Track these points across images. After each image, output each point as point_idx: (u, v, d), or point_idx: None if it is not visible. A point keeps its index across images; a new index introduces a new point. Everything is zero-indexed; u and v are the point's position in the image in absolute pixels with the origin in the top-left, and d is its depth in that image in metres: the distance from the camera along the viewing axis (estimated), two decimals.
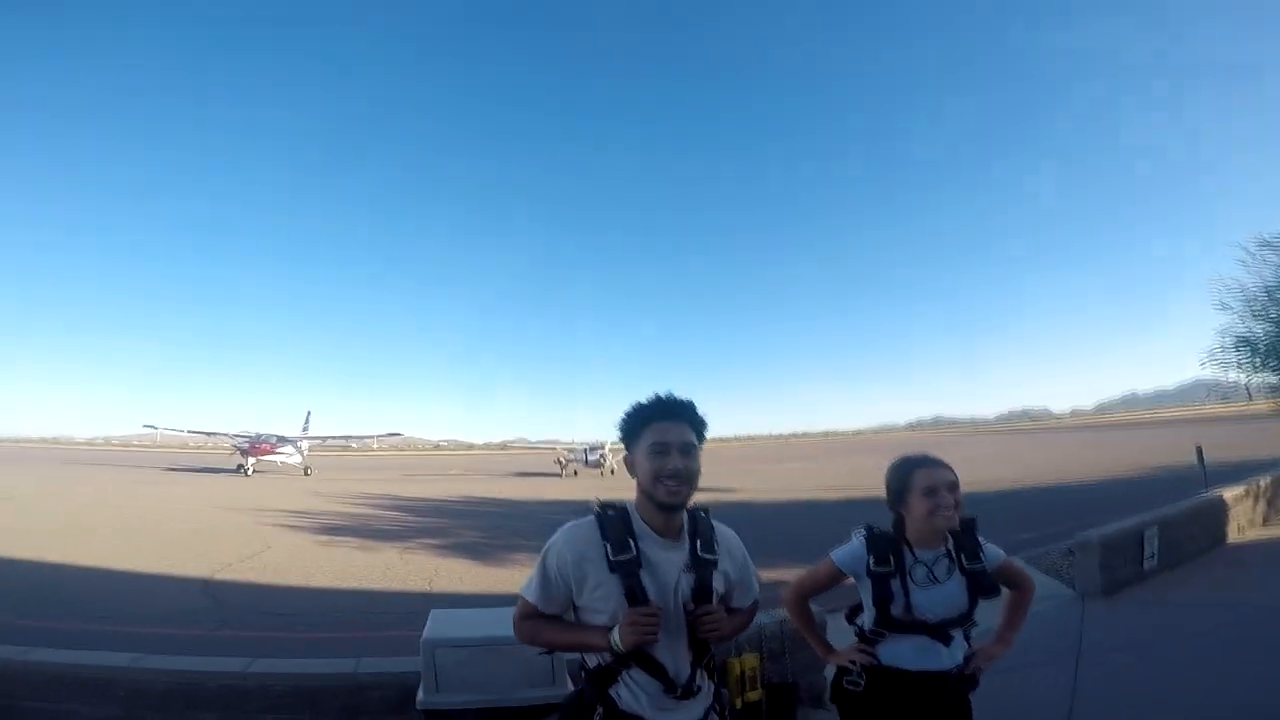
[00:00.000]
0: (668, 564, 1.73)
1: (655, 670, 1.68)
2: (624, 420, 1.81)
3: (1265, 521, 8.47)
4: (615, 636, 1.62)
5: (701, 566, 1.75)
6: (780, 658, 3.87)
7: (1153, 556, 6.42)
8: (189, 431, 44.77)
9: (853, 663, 2.12)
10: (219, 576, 8.86)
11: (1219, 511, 7.64)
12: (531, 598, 1.75)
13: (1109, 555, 6.01)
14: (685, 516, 1.79)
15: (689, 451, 1.72)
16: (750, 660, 3.64)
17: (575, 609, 1.77)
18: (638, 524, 1.74)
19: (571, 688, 2.71)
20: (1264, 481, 8.71)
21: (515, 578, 9.03)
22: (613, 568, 1.67)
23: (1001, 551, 2.20)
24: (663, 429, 1.72)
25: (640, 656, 1.66)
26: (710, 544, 1.80)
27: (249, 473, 35.26)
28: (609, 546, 1.68)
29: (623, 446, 1.84)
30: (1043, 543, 8.43)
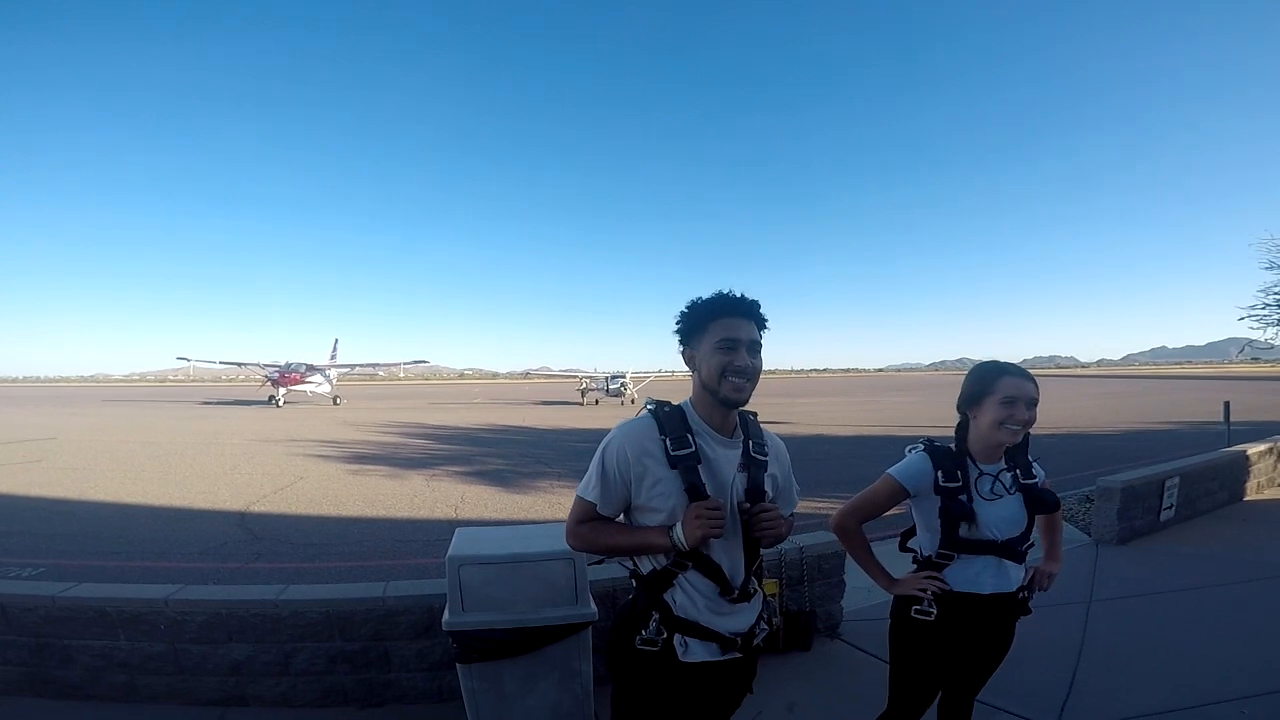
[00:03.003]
0: (725, 461, 1.72)
1: (712, 571, 1.68)
2: (686, 315, 1.75)
3: None
4: (678, 533, 1.61)
5: (754, 466, 1.75)
6: (799, 586, 3.93)
7: (1171, 508, 6.40)
8: (221, 363, 45.75)
9: (923, 591, 2.04)
10: (254, 509, 9.16)
11: (1240, 467, 7.56)
12: (590, 497, 1.71)
13: (1129, 503, 6.01)
14: (736, 417, 1.78)
15: (755, 349, 1.71)
16: (770, 587, 3.77)
17: (628, 512, 1.75)
18: (694, 420, 1.73)
19: (594, 608, 2.79)
20: None
21: (539, 504, 9.32)
22: (673, 463, 1.64)
23: (1042, 473, 2.14)
24: (732, 324, 1.69)
25: (698, 557, 1.66)
26: (761, 445, 1.79)
27: (280, 404, 36.36)
28: (668, 442, 1.66)
29: (681, 345, 1.79)
30: (1062, 489, 8.43)
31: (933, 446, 2.08)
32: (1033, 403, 1.99)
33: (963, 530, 1.99)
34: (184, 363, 45.14)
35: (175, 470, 12.72)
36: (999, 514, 2.00)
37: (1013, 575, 2.05)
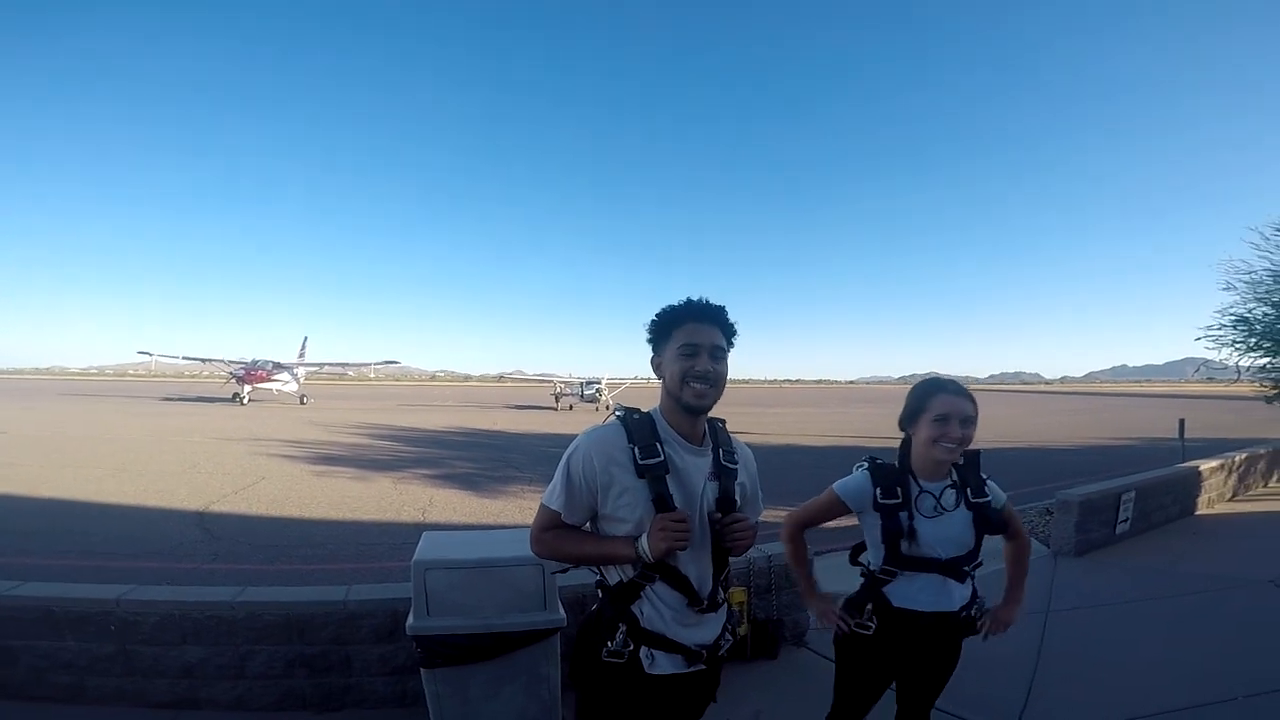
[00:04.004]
0: (694, 470, 1.70)
1: (680, 583, 1.67)
2: (654, 322, 1.76)
3: (1234, 496, 8.68)
4: (643, 545, 1.59)
5: (725, 475, 1.74)
6: (767, 594, 3.95)
7: (1126, 521, 6.58)
8: (184, 358, 44.60)
9: (828, 627, 2.13)
10: (213, 509, 8.93)
11: (1192, 483, 7.80)
12: (555, 505, 1.69)
13: (1086, 516, 6.15)
14: (705, 424, 1.77)
15: (718, 355, 1.70)
16: (738, 595, 3.78)
17: (595, 521, 1.73)
18: (663, 428, 1.71)
19: (563, 614, 2.76)
20: (1239, 457, 8.87)
21: (508, 509, 9.24)
22: (640, 472, 1.62)
23: (1004, 494, 2.13)
24: (694, 330, 1.69)
25: (665, 568, 1.65)
26: (731, 453, 1.79)
27: (244, 401, 35.62)
28: (636, 450, 1.63)
29: (653, 350, 1.79)
30: (1021, 501, 8.63)
31: (875, 464, 2.09)
32: (967, 420, 1.98)
33: (904, 547, 1.99)
34: (145, 357, 43.94)
35: (131, 467, 12.34)
36: (942, 532, 2.00)
37: (955, 594, 2.05)
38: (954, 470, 2.07)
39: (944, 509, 2.02)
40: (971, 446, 2.08)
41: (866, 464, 2.11)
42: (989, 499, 2.07)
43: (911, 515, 1.99)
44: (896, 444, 2.15)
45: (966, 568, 2.04)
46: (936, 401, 2.00)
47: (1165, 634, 4.32)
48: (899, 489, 2.01)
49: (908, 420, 2.09)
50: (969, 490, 2.05)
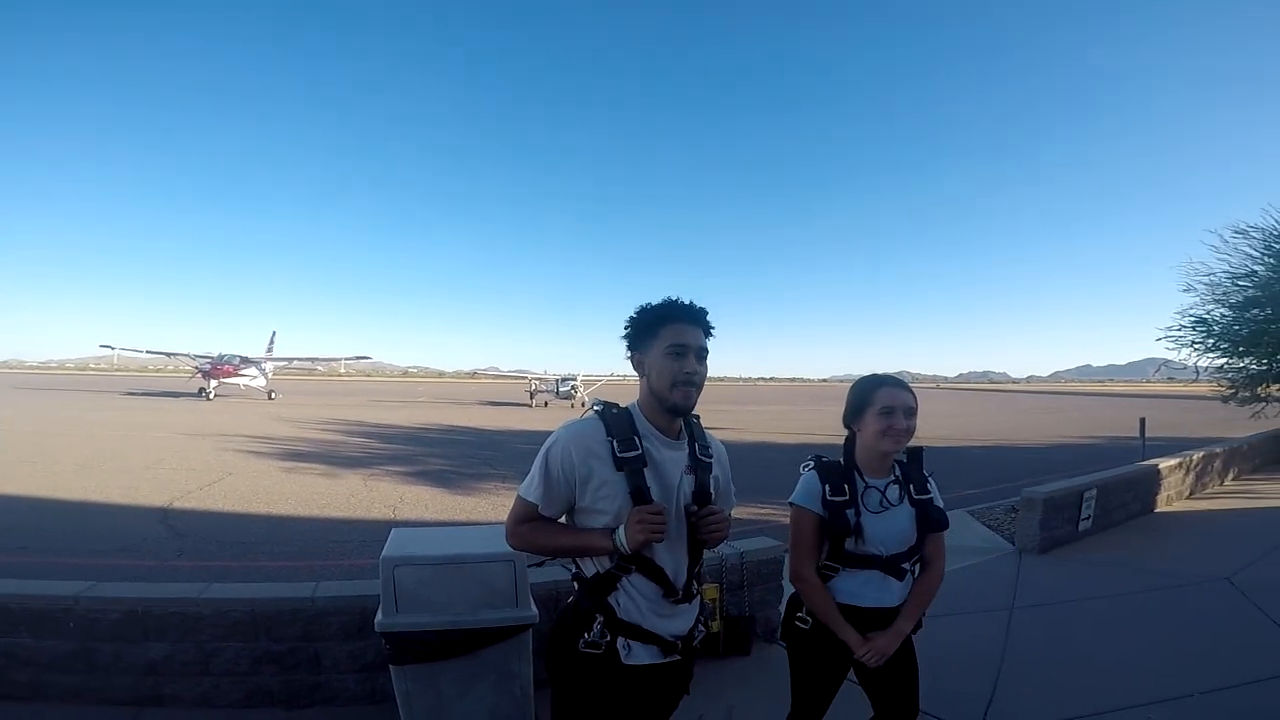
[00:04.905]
0: (671, 463, 1.73)
1: (655, 574, 1.69)
2: (636, 320, 1.77)
3: (1192, 494, 8.91)
4: (620, 536, 1.62)
5: (701, 469, 1.77)
6: (739, 590, 3.95)
7: (1088, 518, 6.73)
8: (148, 352, 43.49)
9: (866, 654, 2.00)
10: (178, 505, 8.73)
11: (1152, 481, 7.99)
12: (532, 497, 1.71)
13: (1050, 513, 6.27)
14: (680, 419, 1.79)
15: (703, 356, 1.74)
16: (711, 591, 3.79)
17: (572, 514, 1.75)
18: (641, 423, 1.73)
19: (535, 610, 2.76)
20: (1196, 456, 9.11)
21: (482, 506, 9.17)
22: (619, 465, 1.65)
23: (941, 501, 2.15)
24: (681, 331, 1.71)
25: (642, 560, 1.67)
26: (706, 447, 1.83)
27: (210, 396, 34.93)
28: (615, 443, 1.66)
29: (629, 349, 1.81)
30: (988, 499, 8.82)
31: (821, 462, 2.12)
32: (910, 412, 2.04)
33: (848, 544, 2.02)
34: (108, 351, 42.72)
35: (93, 463, 12.00)
36: (887, 529, 2.04)
37: (895, 590, 2.08)
38: (897, 466, 2.12)
39: (889, 504, 2.06)
40: (923, 444, 2.14)
41: (812, 462, 2.14)
42: (931, 495, 2.11)
43: (859, 512, 2.02)
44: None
45: (905, 565, 2.08)
46: (880, 395, 2.05)
47: (1126, 630, 4.42)
48: (845, 486, 2.04)
49: (851, 416, 2.13)
50: (912, 486, 2.09)
